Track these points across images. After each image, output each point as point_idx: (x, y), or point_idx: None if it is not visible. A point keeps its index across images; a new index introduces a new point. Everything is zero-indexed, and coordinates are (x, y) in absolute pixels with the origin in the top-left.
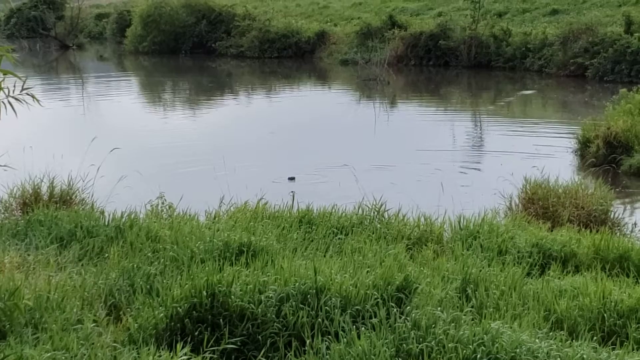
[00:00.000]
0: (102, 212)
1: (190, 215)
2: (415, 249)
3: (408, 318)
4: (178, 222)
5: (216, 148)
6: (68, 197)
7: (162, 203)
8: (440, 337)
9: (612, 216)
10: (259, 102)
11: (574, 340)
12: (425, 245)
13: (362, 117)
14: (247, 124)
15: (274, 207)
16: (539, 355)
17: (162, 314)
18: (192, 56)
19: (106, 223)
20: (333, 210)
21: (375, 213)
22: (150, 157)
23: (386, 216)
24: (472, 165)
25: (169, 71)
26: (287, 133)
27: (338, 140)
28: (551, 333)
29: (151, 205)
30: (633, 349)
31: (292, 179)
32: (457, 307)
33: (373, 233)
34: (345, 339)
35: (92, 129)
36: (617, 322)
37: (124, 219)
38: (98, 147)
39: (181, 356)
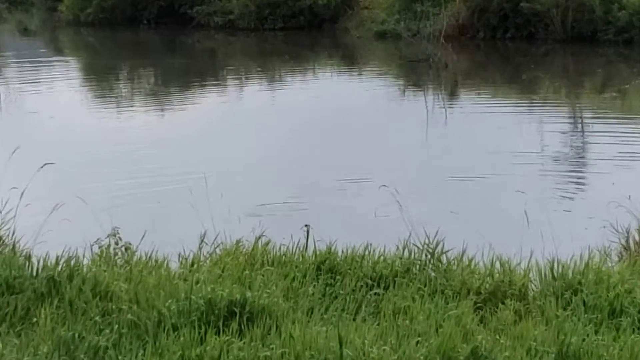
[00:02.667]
0: (29, 258)
1: (156, 261)
2: (487, 309)
3: None
4: (139, 270)
5: (194, 162)
6: None
7: (116, 243)
8: None
9: None
10: (256, 94)
11: None
12: (503, 303)
13: (407, 114)
14: (239, 127)
15: (280, 248)
16: None
17: None
18: (157, 28)
19: (34, 273)
20: (366, 253)
21: (429, 256)
22: (98, 176)
23: (444, 260)
24: (570, 185)
25: (125, 50)
26: (297, 140)
27: (371, 149)
28: None
29: (100, 247)
30: None
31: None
32: None
33: (425, 286)
34: None
35: (13, 136)
36: None
37: (60, 267)
38: (22, 162)
39: None
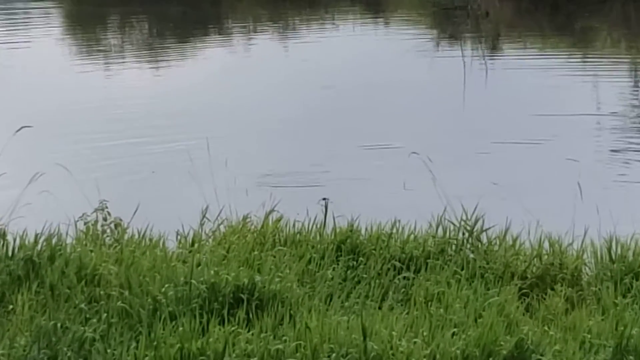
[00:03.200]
0: (3, 235)
1: (151, 240)
2: (534, 296)
3: None
4: (131, 251)
5: (194, 125)
6: None
7: (105, 219)
8: None
9: None
10: (266, 47)
11: None
12: (552, 289)
13: (441, 72)
14: (246, 85)
15: (294, 225)
16: None
17: None
18: None
19: (9, 253)
20: (394, 231)
21: (466, 235)
22: (83, 142)
23: (484, 240)
24: (631, 153)
25: None
26: (313, 100)
27: (399, 111)
28: None
29: (85, 223)
30: None
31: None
32: None
33: (462, 269)
34: None
35: None
36: None
37: (39, 247)
38: None
39: None
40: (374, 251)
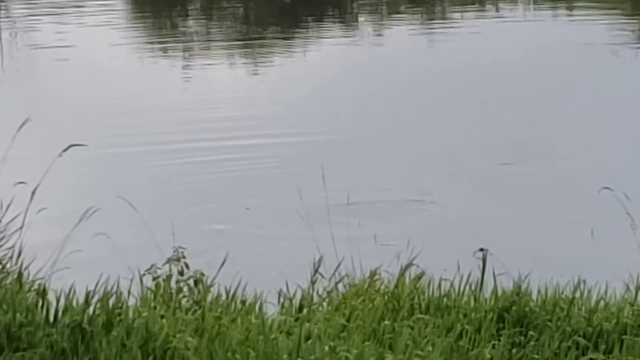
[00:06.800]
0: (43, 294)
1: (244, 303)
2: None
3: None
4: (216, 317)
5: (302, 144)
6: None
7: (181, 273)
8: None
9: None
10: (402, 38)
11: None
12: None
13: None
14: (374, 94)
15: (439, 285)
16: None
17: None
18: None
19: (51, 319)
20: (576, 294)
21: None
22: (152, 166)
23: None
24: None
25: None
26: (464, 116)
27: (584, 129)
28: None
29: (154, 278)
30: None
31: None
32: None
33: None
34: None
35: (23, 100)
36: None
37: (91, 310)
38: (34, 143)
39: None
40: (549, 323)
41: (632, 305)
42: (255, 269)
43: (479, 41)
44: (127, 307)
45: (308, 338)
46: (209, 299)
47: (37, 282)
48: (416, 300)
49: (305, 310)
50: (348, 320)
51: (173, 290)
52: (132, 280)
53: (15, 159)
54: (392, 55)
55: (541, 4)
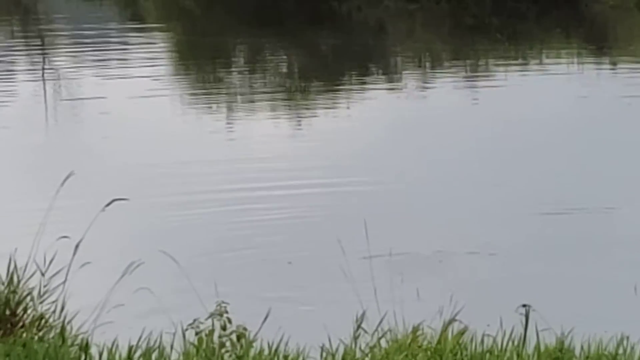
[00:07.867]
0: (86, 348)
1: (287, 358)
2: None
3: None
4: None
5: (346, 197)
6: (8, 312)
7: (224, 328)
8: None
9: None
10: (446, 93)
11: None
12: None
13: None
14: (411, 140)
15: (482, 341)
16: None
17: None
18: None
19: None
20: (619, 351)
21: None
22: (195, 220)
23: None
24: None
25: (240, 21)
26: (502, 158)
27: (625, 179)
28: None
29: (197, 333)
30: None
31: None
32: None
33: None
34: None
35: (66, 154)
36: None
37: None
38: (77, 197)
39: None
40: None
41: None
42: (298, 324)
43: (522, 94)
44: None
45: None
46: (251, 353)
47: (80, 336)
48: (459, 356)
49: None
50: None
51: (216, 345)
52: (174, 334)
53: (58, 212)
54: (436, 109)
55: (585, 57)
